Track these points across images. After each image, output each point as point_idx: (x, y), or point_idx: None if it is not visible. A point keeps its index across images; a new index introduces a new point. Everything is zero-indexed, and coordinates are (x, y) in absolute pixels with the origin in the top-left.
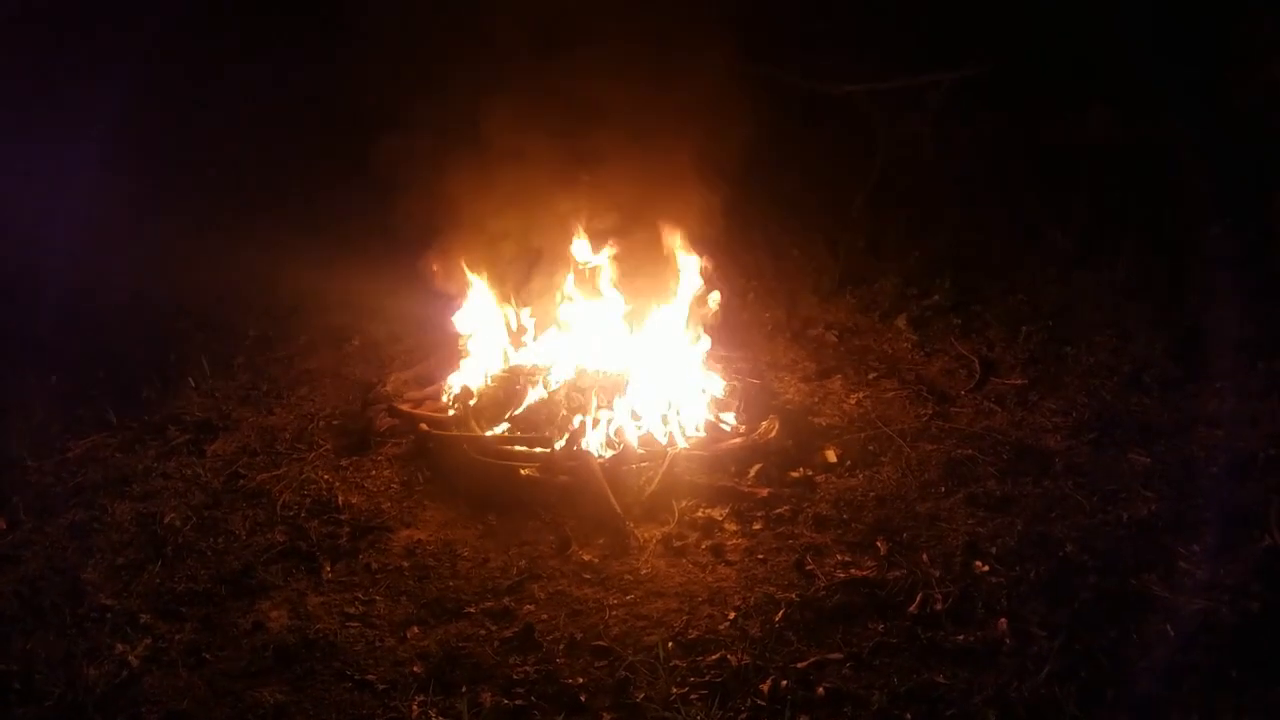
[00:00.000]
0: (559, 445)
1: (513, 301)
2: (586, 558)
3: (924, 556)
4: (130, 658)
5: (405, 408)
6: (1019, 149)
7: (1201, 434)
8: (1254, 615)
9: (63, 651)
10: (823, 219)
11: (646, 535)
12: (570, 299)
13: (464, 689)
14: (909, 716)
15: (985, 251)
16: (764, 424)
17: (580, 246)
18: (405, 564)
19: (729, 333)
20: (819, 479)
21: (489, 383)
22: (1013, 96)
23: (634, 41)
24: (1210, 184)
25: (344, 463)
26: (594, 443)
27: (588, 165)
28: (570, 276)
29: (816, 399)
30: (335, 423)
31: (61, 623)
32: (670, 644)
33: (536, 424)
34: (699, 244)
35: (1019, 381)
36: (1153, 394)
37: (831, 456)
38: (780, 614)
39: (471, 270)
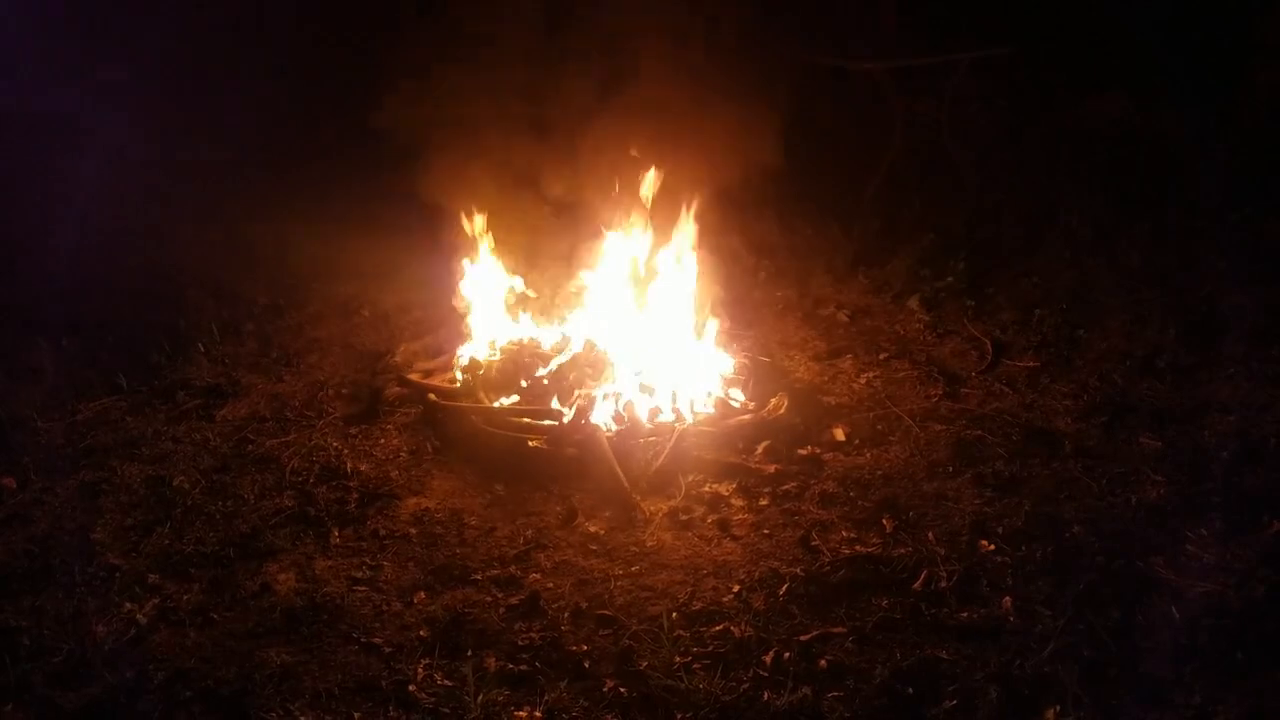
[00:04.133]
0: (567, 418)
1: (524, 272)
2: (593, 529)
3: (930, 535)
4: (139, 616)
5: (414, 378)
6: (1035, 132)
7: (1213, 419)
8: (1260, 600)
9: (72, 609)
10: (837, 198)
11: (653, 509)
12: (584, 272)
13: (469, 653)
14: (911, 691)
15: (1000, 234)
16: (773, 401)
17: (597, 218)
18: (413, 531)
19: (741, 311)
20: (827, 457)
21: (497, 354)
22: (1030, 80)
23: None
24: (1226, 171)
25: (353, 431)
26: (602, 416)
27: (603, 135)
28: (584, 249)
29: (826, 378)
30: (344, 391)
31: (70, 581)
32: (674, 614)
33: (545, 396)
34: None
35: (1031, 364)
36: (1165, 379)
37: (840, 435)
38: (784, 588)
39: (484, 238)
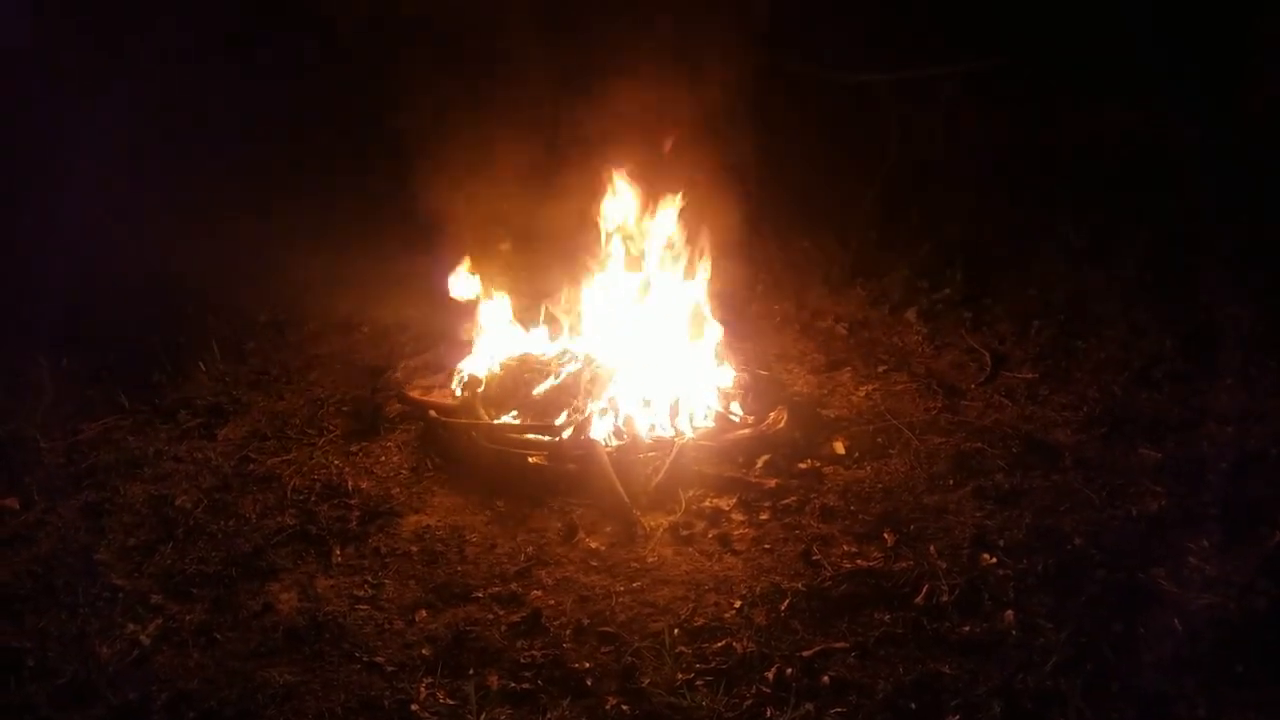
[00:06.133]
0: (567, 434)
1: (524, 290)
2: (594, 545)
3: (931, 548)
4: (142, 637)
5: (414, 394)
6: (1033, 143)
7: (1212, 430)
8: (1261, 612)
9: (75, 630)
10: (833, 210)
11: (654, 524)
12: (582, 286)
13: (471, 672)
14: (914, 706)
15: (997, 245)
16: (772, 415)
17: (591, 236)
18: (414, 549)
19: (738, 324)
20: (827, 470)
21: (498, 370)
22: (1028, 91)
23: (645, 27)
24: (1223, 182)
25: (353, 448)
26: (602, 432)
27: (596, 151)
28: (582, 265)
29: (825, 391)
30: (345, 408)
31: (74, 602)
32: (676, 631)
33: (546, 412)
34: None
35: (1029, 375)
36: (1163, 389)
37: (840, 448)
38: (786, 603)
39: (483, 259)
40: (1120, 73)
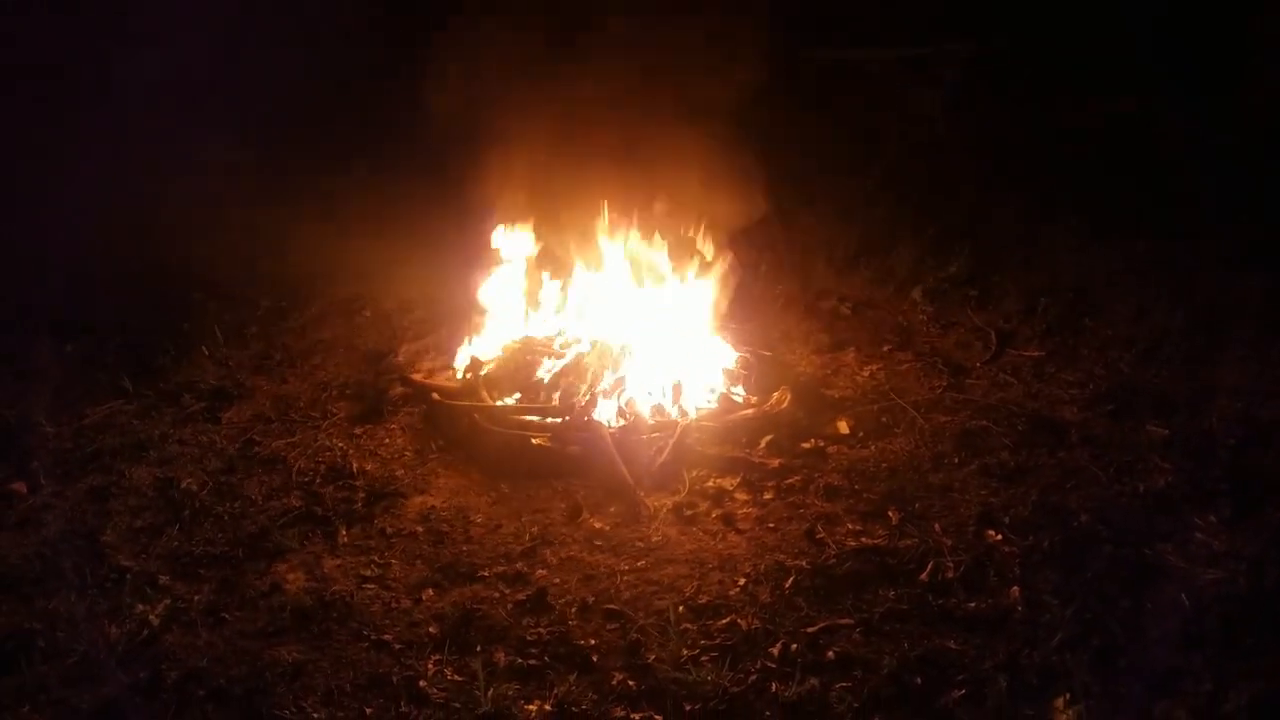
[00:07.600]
0: (571, 416)
1: (531, 271)
2: (598, 525)
3: (936, 526)
4: (150, 617)
5: (417, 377)
6: (1038, 129)
7: (1219, 406)
8: (1270, 586)
9: (84, 611)
10: (839, 190)
11: (657, 504)
12: (586, 269)
13: (479, 649)
14: (919, 681)
15: (1003, 224)
16: (776, 395)
17: (597, 220)
18: (419, 529)
19: (742, 304)
20: (831, 450)
21: (501, 353)
22: (1029, 89)
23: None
24: (1225, 170)
25: (357, 430)
26: (605, 413)
27: (605, 137)
28: (587, 247)
29: (829, 370)
30: (348, 391)
31: (82, 583)
32: (681, 608)
33: (549, 394)
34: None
35: (1035, 353)
36: (1171, 366)
37: (844, 428)
38: (790, 581)
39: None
40: (1120, 71)
